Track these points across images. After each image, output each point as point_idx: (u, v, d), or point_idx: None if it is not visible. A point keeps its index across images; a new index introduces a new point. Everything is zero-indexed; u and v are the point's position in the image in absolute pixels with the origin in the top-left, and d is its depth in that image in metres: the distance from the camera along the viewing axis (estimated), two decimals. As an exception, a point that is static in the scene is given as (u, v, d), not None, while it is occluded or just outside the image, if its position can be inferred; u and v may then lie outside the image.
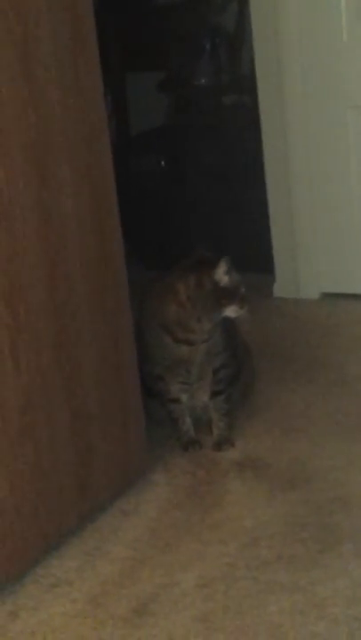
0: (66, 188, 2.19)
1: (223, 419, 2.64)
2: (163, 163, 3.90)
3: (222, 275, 2.45)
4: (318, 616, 1.92)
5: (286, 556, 2.12)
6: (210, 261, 2.48)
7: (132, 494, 2.41)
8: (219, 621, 1.94)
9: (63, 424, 2.22)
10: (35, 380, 2.14)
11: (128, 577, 2.12)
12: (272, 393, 2.86)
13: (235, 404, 2.70)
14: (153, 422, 2.61)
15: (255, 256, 3.48)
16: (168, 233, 3.82)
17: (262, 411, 2.78)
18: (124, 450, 2.42)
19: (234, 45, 3.85)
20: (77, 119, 2.22)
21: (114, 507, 2.37)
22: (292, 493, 2.36)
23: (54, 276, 2.18)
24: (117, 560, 2.18)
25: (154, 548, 2.21)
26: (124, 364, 2.41)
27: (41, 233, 2.14)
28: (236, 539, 2.21)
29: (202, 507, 2.36)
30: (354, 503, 2.29)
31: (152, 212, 3.89)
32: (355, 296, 3.45)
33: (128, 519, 2.33)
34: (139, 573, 2.13)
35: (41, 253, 2.14)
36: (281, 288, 3.60)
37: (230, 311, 2.48)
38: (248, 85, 3.62)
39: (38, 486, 2.16)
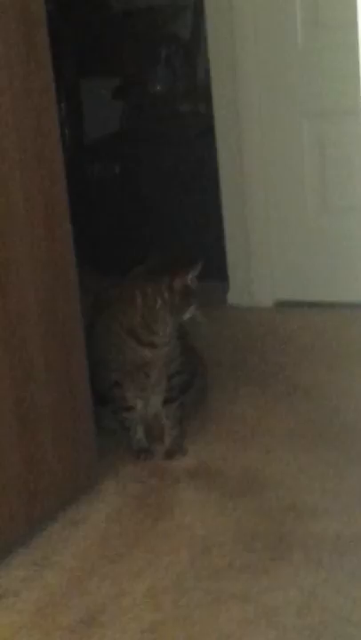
0: (16, 194, 2.16)
1: (175, 427, 2.62)
2: (117, 169, 3.88)
3: (193, 277, 2.48)
4: (269, 625, 1.91)
5: (237, 565, 2.10)
6: (174, 265, 2.51)
7: (81, 503, 2.38)
8: (168, 632, 1.92)
9: (10, 431, 2.19)
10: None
11: (76, 587, 2.08)
12: (224, 401, 2.84)
13: (187, 412, 2.68)
14: (104, 431, 2.59)
15: (209, 263, 3.46)
16: (122, 240, 3.80)
17: (214, 419, 2.76)
18: (74, 458, 2.39)
19: (189, 53, 3.85)
20: (28, 125, 2.19)
21: (63, 516, 2.33)
22: (243, 502, 2.35)
23: (4, 282, 2.15)
24: (66, 570, 2.15)
25: (103, 558, 2.18)
26: (75, 371, 2.38)
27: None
28: (187, 548, 2.19)
29: (153, 516, 2.33)
30: (305, 511, 2.28)
31: (107, 219, 3.87)
32: (309, 304, 3.45)
33: (77, 528, 2.30)
34: (87, 584, 2.09)
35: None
36: (235, 296, 3.59)
37: (191, 312, 2.50)
38: (203, 93, 3.62)
39: (-16, 495, 2.13)
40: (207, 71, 3.50)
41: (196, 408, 2.75)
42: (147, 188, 3.82)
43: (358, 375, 2.92)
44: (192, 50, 3.83)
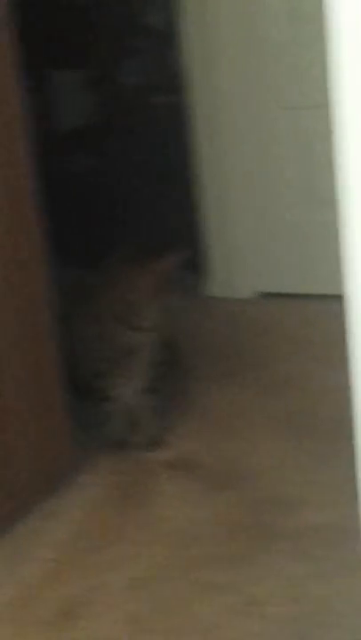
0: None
1: (155, 417, 2.59)
2: (91, 162, 3.85)
3: (173, 261, 2.50)
4: (253, 615, 1.87)
5: (219, 556, 2.06)
6: (150, 253, 2.52)
7: (60, 496, 2.33)
8: (149, 623, 1.87)
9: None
10: None
11: (54, 580, 2.03)
12: (204, 392, 2.81)
13: (167, 403, 2.65)
14: (82, 422, 2.54)
15: (188, 254, 3.45)
16: (96, 232, 3.77)
17: (194, 410, 2.72)
18: (50, 450, 2.34)
19: (164, 44, 3.81)
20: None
21: (40, 509, 2.27)
22: (224, 493, 2.31)
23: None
24: (43, 562, 2.09)
25: (81, 550, 2.13)
26: (47, 364, 2.34)
27: None
28: (168, 539, 2.14)
29: (132, 507, 2.28)
30: (288, 502, 2.24)
31: (80, 211, 3.83)
32: (289, 295, 3.43)
33: (56, 521, 2.24)
34: (65, 576, 2.04)
35: None
36: (215, 287, 3.56)
37: (174, 299, 2.51)
38: (178, 85, 3.59)
39: None
40: (182, 62, 3.47)
41: (175, 399, 2.72)
42: (122, 181, 3.79)
43: (339, 366, 2.88)
44: (166, 41, 3.79)
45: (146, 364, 2.56)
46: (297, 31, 3.25)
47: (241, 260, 3.50)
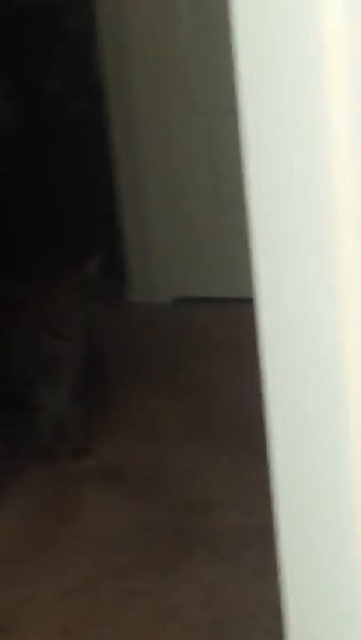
0: None
1: (80, 426, 2.66)
2: (12, 168, 3.86)
3: (94, 267, 2.55)
4: (176, 621, 1.97)
5: (143, 563, 2.16)
6: (70, 260, 2.57)
7: (-13, 507, 2.41)
8: (81, 633, 1.97)
9: None
10: None
11: (-14, 592, 2.12)
12: (126, 399, 2.89)
13: (90, 410, 2.71)
14: (10, 433, 2.60)
15: (106, 261, 3.49)
16: (17, 240, 3.79)
17: (118, 417, 2.80)
18: (-20, 463, 2.40)
19: (82, 51, 3.85)
20: None
21: (-30, 521, 2.36)
22: (148, 499, 2.40)
23: None
24: (-25, 576, 2.18)
25: (11, 562, 2.21)
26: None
27: None
28: (94, 548, 2.23)
29: (59, 517, 2.37)
30: (209, 507, 2.34)
31: (2, 220, 3.85)
32: (207, 300, 3.51)
33: (-16, 532, 2.32)
34: (-3, 588, 2.13)
35: None
36: (134, 293, 3.62)
37: (95, 304, 2.56)
38: (97, 91, 3.63)
39: None
40: (101, 68, 3.52)
41: (99, 407, 2.78)
42: (42, 188, 3.81)
43: (257, 370, 2.99)
44: (86, 47, 3.84)
45: (71, 372, 2.62)
46: (209, 37, 3.32)
47: (158, 265, 3.57)
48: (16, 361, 2.60)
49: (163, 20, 3.38)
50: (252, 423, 2.64)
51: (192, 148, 3.46)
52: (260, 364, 1.19)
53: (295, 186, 1.08)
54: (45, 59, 3.84)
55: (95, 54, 3.69)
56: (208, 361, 3.09)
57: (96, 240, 3.60)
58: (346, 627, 1.16)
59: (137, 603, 2.04)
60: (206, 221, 3.50)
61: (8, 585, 2.13)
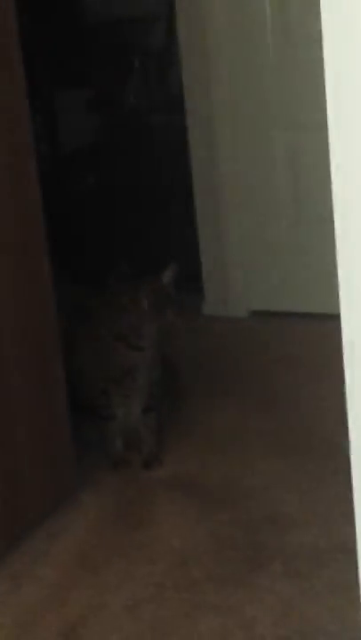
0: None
1: (153, 436, 2.64)
2: (92, 181, 3.89)
3: (170, 279, 2.54)
4: (246, 636, 1.93)
5: (215, 576, 2.12)
6: (148, 272, 2.57)
7: (60, 515, 2.39)
8: (147, 644, 1.94)
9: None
10: None
11: (56, 600, 2.09)
12: (201, 411, 2.86)
13: (163, 421, 2.70)
14: (82, 442, 2.59)
15: (184, 274, 3.49)
16: (96, 251, 3.81)
17: (192, 429, 2.77)
18: (52, 470, 2.40)
19: (162, 65, 3.86)
20: (2, 138, 2.19)
21: (42, 528, 2.34)
22: (221, 512, 2.36)
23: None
24: (45, 583, 2.16)
25: (82, 570, 2.19)
26: (52, 384, 2.39)
27: None
28: (165, 559, 2.20)
29: (130, 527, 2.35)
30: (283, 522, 2.30)
31: (81, 231, 3.88)
32: (283, 314, 3.47)
33: (56, 541, 2.30)
34: (67, 596, 2.10)
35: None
36: (209, 306, 3.60)
37: (171, 317, 2.54)
38: (177, 105, 3.64)
39: None
40: (181, 83, 3.52)
41: (172, 418, 2.77)
42: (121, 200, 3.83)
43: (333, 385, 2.93)
44: (165, 62, 3.85)
45: (144, 382, 2.61)
46: (294, 52, 3.31)
47: (235, 279, 3.54)
48: (90, 370, 2.60)
49: (244, 34, 3.36)
50: (331, 439, 2.61)
51: (273, 163, 3.43)
52: (343, 379, 1.18)
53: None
54: (126, 72, 3.87)
55: (175, 68, 3.70)
56: (284, 375, 3.05)
57: (172, 252, 3.59)
58: None
59: (207, 616, 1.99)
60: (284, 235, 3.47)
61: (77, 593, 2.11)
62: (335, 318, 1.18)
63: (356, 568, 1.20)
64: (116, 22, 3.93)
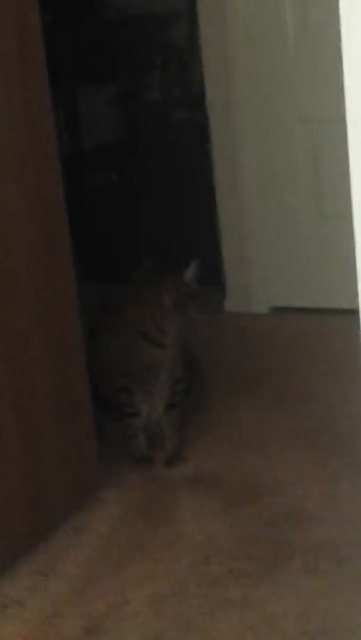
0: (13, 205, 2.18)
1: (176, 433, 2.65)
2: (115, 177, 3.90)
3: (193, 276, 2.55)
4: (269, 632, 1.94)
5: (237, 573, 2.13)
6: (171, 268, 2.58)
7: (84, 511, 2.41)
8: (170, 639, 1.94)
9: (11, 442, 2.21)
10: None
11: (80, 595, 2.11)
12: (223, 408, 2.87)
13: (186, 418, 2.72)
14: (105, 438, 2.61)
15: (205, 270, 3.50)
16: (118, 247, 3.83)
17: (214, 426, 2.79)
18: (76, 466, 2.42)
19: (184, 61, 3.87)
20: (26, 135, 2.21)
21: (66, 524, 2.36)
22: (243, 509, 2.38)
23: (1, 294, 2.17)
24: (69, 578, 2.18)
25: (106, 566, 2.21)
26: (75, 381, 2.41)
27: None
28: (188, 555, 2.21)
29: (153, 523, 2.36)
30: (305, 518, 2.31)
31: (104, 226, 3.90)
32: (304, 310, 3.48)
33: (80, 537, 2.33)
34: (91, 592, 2.12)
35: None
36: (232, 302, 3.61)
37: (194, 313, 2.55)
38: (199, 100, 3.65)
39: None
40: (202, 78, 3.52)
41: (194, 415, 2.79)
42: (144, 196, 3.84)
43: (354, 381, 2.94)
44: (188, 57, 3.86)
45: (167, 379, 2.62)
46: (313, 46, 3.31)
47: (256, 275, 3.56)
48: (112, 367, 2.61)
49: (265, 30, 3.37)
50: (352, 435, 2.62)
51: (294, 158, 3.44)
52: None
53: None
54: (148, 69, 3.88)
55: (197, 64, 3.70)
56: (305, 371, 3.07)
57: (194, 249, 3.60)
58: None
59: (230, 612, 2.00)
60: (305, 231, 3.47)
61: (100, 589, 2.13)
62: (356, 314, 1.17)
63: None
64: (138, 19, 3.94)
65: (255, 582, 2.09)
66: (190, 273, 2.55)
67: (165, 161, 3.80)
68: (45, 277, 2.30)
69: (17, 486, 2.23)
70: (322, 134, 3.38)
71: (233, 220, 3.54)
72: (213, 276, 3.56)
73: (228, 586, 2.09)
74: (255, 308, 3.57)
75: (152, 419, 2.67)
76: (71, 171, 3.34)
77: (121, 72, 3.96)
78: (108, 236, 3.91)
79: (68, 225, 2.35)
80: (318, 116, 3.37)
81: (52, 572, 2.20)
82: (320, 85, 3.31)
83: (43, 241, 2.28)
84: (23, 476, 2.25)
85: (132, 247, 3.76)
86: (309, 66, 3.33)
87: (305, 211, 3.46)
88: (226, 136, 3.49)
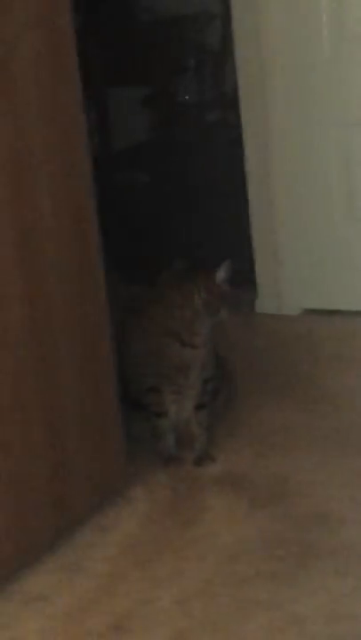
0: (44, 205, 2.19)
1: (205, 433, 2.64)
2: (146, 178, 3.91)
3: (224, 277, 2.54)
4: (297, 633, 1.92)
5: (265, 573, 2.12)
6: (201, 267, 2.57)
7: (110, 509, 2.40)
8: (196, 638, 1.93)
9: (38, 438, 2.21)
10: (9, 393, 2.13)
11: (105, 593, 2.10)
12: (252, 409, 2.86)
13: (215, 418, 2.71)
14: (134, 437, 2.60)
15: (237, 271, 3.49)
16: (150, 247, 3.83)
17: (242, 426, 2.77)
18: (103, 464, 2.41)
19: (217, 62, 3.87)
20: (57, 135, 2.21)
21: (92, 522, 2.35)
22: (271, 509, 2.36)
23: (31, 291, 2.17)
24: (95, 576, 2.17)
25: (132, 564, 2.20)
26: (103, 378, 2.40)
27: (18, 250, 2.13)
28: (215, 555, 2.20)
29: (181, 522, 2.35)
30: (333, 519, 2.29)
31: (135, 227, 3.90)
32: (335, 312, 3.46)
33: (107, 534, 2.32)
34: (116, 589, 2.11)
35: (18, 269, 2.14)
36: (263, 304, 3.60)
37: (225, 314, 2.54)
38: (231, 102, 3.64)
39: (12, 501, 2.15)
40: (236, 80, 3.52)
41: (223, 415, 2.77)
42: (175, 197, 3.84)
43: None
44: (221, 59, 3.86)
45: (196, 380, 2.61)
46: (349, 47, 3.29)
47: (288, 276, 3.54)
48: (142, 367, 2.61)
49: (299, 31, 3.36)
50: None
51: (327, 160, 3.42)
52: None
53: None
54: (181, 70, 3.88)
55: (230, 66, 3.70)
56: (337, 373, 3.04)
57: (226, 250, 3.59)
58: None
59: (256, 612, 1.99)
60: (338, 233, 3.46)
61: (127, 586, 2.12)
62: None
63: None
64: (172, 20, 3.94)
65: (282, 583, 2.07)
66: (222, 273, 2.54)
67: (197, 162, 3.79)
68: (76, 278, 2.30)
69: (43, 483, 2.23)
70: (355, 136, 3.36)
71: (265, 221, 3.53)
72: (245, 277, 3.55)
73: (255, 586, 2.08)
74: (286, 309, 3.55)
75: (181, 418, 2.65)
76: (102, 171, 3.35)
77: (153, 73, 3.97)
78: (139, 236, 3.91)
79: (98, 226, 2.35)
80: (352, 118, 3.35)
81: (78, 568, 2.20)
82: (354, 87, 3.30)
83: (73, 242, 2.28)
84: (50, 473, 2.25)
85: (164, 248, 3.76)
86: (344, 67, 3.31)
87: (337, 212, 3.44)
88: (258, 137, 3.48)
